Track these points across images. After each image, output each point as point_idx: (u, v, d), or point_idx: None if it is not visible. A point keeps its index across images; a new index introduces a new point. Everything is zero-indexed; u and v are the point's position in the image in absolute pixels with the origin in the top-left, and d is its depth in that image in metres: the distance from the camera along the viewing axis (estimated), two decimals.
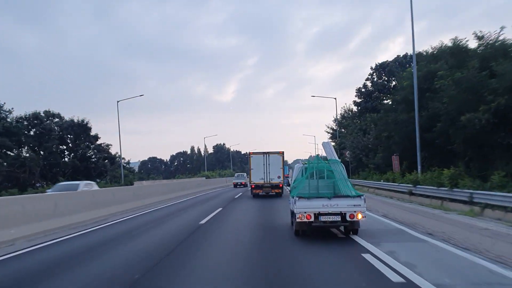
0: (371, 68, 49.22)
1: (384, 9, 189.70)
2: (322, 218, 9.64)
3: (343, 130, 51.81)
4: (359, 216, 9.55)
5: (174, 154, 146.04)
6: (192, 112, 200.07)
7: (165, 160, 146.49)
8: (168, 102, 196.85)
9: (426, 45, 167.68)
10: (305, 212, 9.61)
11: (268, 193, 26.43)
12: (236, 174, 52.61)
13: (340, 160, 11.64)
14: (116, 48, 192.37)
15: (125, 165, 58.03)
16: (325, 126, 56.86)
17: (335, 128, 54.85)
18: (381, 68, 48.42)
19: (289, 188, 13.96)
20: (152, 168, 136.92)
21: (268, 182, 26.12)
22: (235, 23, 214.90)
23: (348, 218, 9.57)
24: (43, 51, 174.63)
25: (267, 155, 26.21)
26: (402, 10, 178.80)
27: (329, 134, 57.74)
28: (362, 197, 9.64)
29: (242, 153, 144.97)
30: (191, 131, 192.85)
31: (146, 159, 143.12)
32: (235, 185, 46.03)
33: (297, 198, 9.67)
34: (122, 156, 58.22)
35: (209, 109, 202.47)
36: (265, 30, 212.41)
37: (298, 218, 9.65)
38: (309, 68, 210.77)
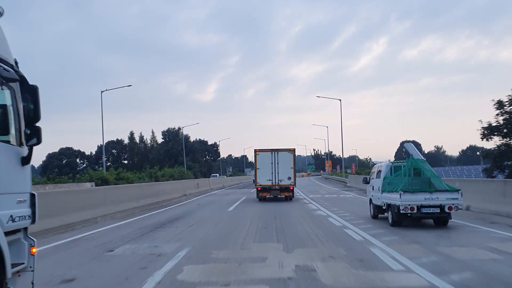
0: None
1: (368, 8, 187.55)
2: (424, 210, 11.10)
3: None
4: (457, 209, 11.01)
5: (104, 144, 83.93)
6: (171, 111, 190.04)
7: (87, 153, 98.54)
8: (147, 100, 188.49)
9: (409, 45, 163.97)
10: (409, 205, 11.10)
11: (277, 196, 23.46)
12: None
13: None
14: (93, 43, 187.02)
15: None
16: None
17: None
18: None
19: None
20: (65, 165, 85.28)
21: (276, 184, 22.98)
22: (217, 19, 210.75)
23: (446, 210, 11.05)
24: (14, 45, 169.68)
25: (276, 152, 23.21)
26: (386, 9, 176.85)
27: None
28: (459, 192, 11.09)
29: (209, 143, 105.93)
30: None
31: (57, 151, 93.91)
32: None
33: (402, 192, 11.22)
34: None
35: (189, 108, 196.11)
36: (247, 27, 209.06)
37: (402, 210, 11.11)
38: (291, 68, 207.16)
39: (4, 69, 4.21)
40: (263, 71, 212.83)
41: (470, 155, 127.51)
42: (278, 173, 22.92)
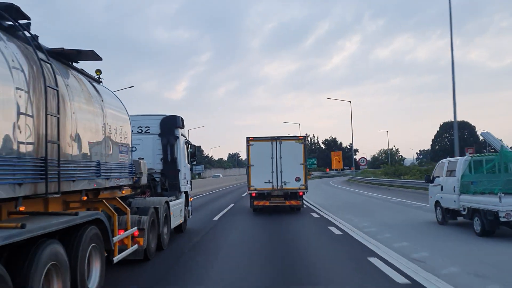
0: None
1: (343, 5, 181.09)
2: None
3: None
4: None
5: None
6: (140, 109, 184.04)
7: None
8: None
9: (381, 45, 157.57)
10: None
11: (279, 205, 16.45)
12: None
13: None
14: (57, 38, 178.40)
15: None
16: None
17: None
18: None
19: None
20: None
21: (279, 187, 16.13)
22: (188, 14, 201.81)
23: None
24: None
25: (278, 142, 16.39)
26: (360, 6, 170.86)
27: None
28: None
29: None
30: None
31: None
32: None
33: (502, 195, 8.80)
34: None
35: (158, 107, 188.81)
36: (220, 23, 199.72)
37: (503, 217, 8.78)
38: (264, 66, 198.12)
39: (188, 141, 12.79)
40: (235, 69, 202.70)
41: None
42: (281, 172, 16.18)
